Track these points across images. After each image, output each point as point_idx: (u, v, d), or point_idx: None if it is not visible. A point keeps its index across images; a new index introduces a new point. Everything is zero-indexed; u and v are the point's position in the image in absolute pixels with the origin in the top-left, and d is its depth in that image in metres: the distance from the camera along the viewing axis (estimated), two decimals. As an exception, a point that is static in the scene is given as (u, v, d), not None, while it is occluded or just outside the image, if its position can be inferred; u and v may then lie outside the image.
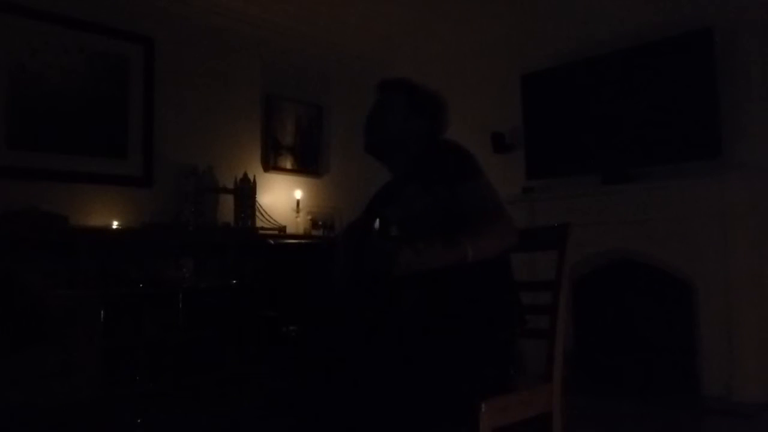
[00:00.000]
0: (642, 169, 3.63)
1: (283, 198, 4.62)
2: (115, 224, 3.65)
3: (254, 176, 4.28)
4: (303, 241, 4.52)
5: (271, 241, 4.14)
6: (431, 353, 1.41)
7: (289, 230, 4.49)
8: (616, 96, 3.75)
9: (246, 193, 4.21)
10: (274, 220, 4.46)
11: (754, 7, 3.37)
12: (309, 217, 4.69)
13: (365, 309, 1.51)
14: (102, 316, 3.24)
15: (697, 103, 3.41)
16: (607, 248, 3.78)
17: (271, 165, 4.57)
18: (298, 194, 4.63)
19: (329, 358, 1.47)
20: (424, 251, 1.35)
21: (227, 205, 4.22)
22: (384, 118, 1.75)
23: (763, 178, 3.25)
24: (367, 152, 1.78)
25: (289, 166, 4.70)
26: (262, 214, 4.37)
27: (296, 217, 4.60)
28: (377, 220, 1.45)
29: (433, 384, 1.38)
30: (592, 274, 3.90)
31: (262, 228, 4.31)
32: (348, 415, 1.36)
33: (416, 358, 1.39)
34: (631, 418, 3.07)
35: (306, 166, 4.80)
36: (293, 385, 1.53)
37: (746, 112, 3.37)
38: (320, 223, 4.71)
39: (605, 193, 3.74)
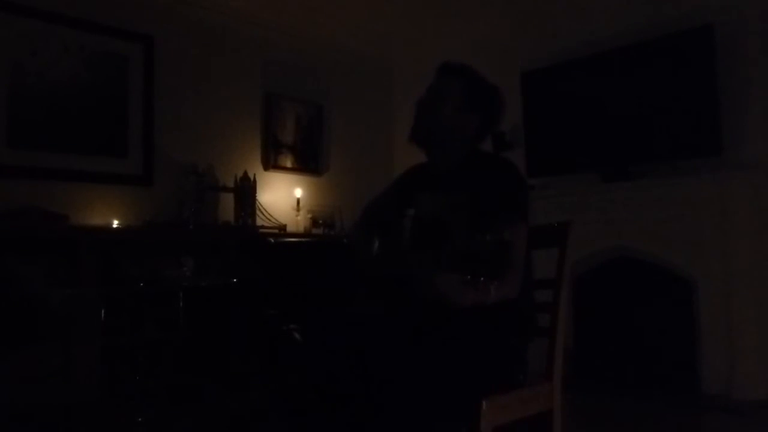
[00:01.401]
0: (642, 167, 3.63)
1: (283, 196, 4.62)
2: (115, 223, 3.65)
3: (254, 175, 4.28)
4: (303, 239, 4.52)
5: (272, 240, 4.14)
6: (439, 351, 1.40)
7: (290, 229, 4.49)
8: (617, 94, 3.74)
9: (246, 191, 4.21)
10: (275, 219, 4.46)
11: (755, 6, 3.36)
12: (309, 216, 4.69)
13: (376, 303, 1.50)
14: (102, 315, 3.24)
15: (697, 101, 3.40)
16: (607, 246, 3.78)
17: (271, 164, 4.57)
18: (299, 193, 4.63)
19: (333, 353, 1.47)
20: (460, 288, 1.27)
21: (227, 204, 4.22)
22: (437, 106, 1.63)
23: (763, 176, 3.25)
24: (412, 140, 1.66)
25: (289, 164, 4.70)
26: (262, 213, 4.37)
27: (296, 215, 4.60)
28: (410, 214, 1.42)
29: (436, 382, 1.37)
30: (593, 272, 3.90)
31: (263, 227, 4.31)
32: (350, 410, 1.36)
33: (423, 356, 1.39)
34: (631, 417, 3.07)
35: (306, 164, 4.80)
36: (293, 381, 1.53)
37: (747, 111, 3.37)
38: (320, 221, 4.70)
39: (605, 191, 3.74)
